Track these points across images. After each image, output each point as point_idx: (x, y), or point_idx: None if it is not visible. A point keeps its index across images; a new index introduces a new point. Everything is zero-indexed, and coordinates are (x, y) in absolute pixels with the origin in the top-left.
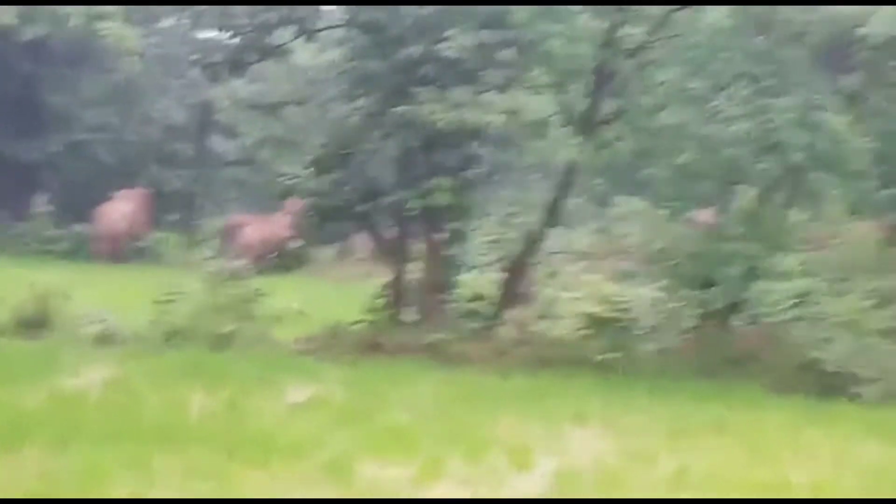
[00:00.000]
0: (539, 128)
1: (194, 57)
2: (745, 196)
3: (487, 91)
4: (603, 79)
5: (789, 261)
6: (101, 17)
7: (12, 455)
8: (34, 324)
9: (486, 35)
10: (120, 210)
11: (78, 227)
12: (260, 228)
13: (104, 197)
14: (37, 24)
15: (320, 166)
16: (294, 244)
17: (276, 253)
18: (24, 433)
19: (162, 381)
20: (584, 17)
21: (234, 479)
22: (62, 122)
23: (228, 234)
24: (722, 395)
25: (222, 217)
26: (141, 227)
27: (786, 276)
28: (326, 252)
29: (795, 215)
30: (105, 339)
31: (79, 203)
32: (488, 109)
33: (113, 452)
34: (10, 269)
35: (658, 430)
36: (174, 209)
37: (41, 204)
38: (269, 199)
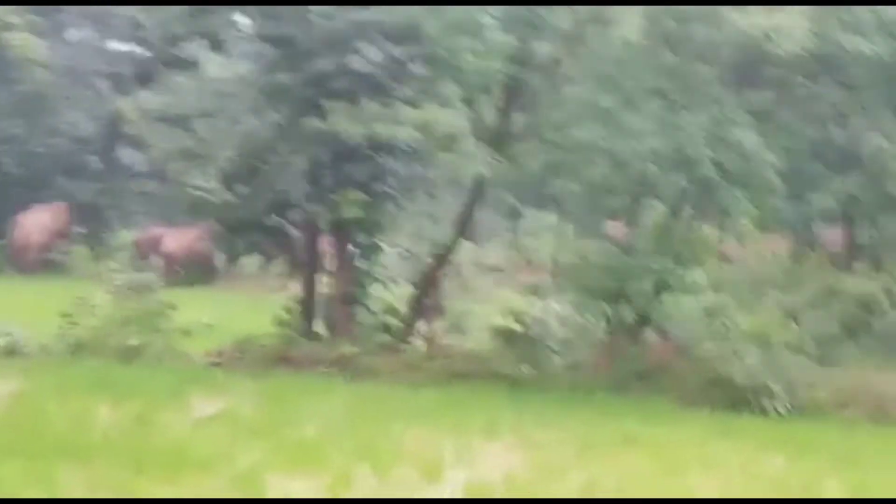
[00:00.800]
0: (449, 142)
1: (103, 68)
2: (655, 211)
3: (398, 105)
4: (513, 93)
5: (699, 275)
6: (6, 28)
7: None
8: None
9: (397, 49)
10: (36, 221)
11: None
12: (178, 240)
13: (12, 208)
14: None
15: (230, 179)
16: (208, 256)
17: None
18: None
19: (68, 395)
20: (495, 32)
21: (141, 494)
22: None
23: (145, 246)
24: (632, 409)
25: (135, 229)
26: (57, 239)
27: (695, 290)
28: (240, 266)
29: (705, 230)
30: (10, 352)
31: None
32: (399, 123)
33: (16, 467)
34: None
35: (568, 444)
36: (83, 221)
37: None
38: (178, 211)
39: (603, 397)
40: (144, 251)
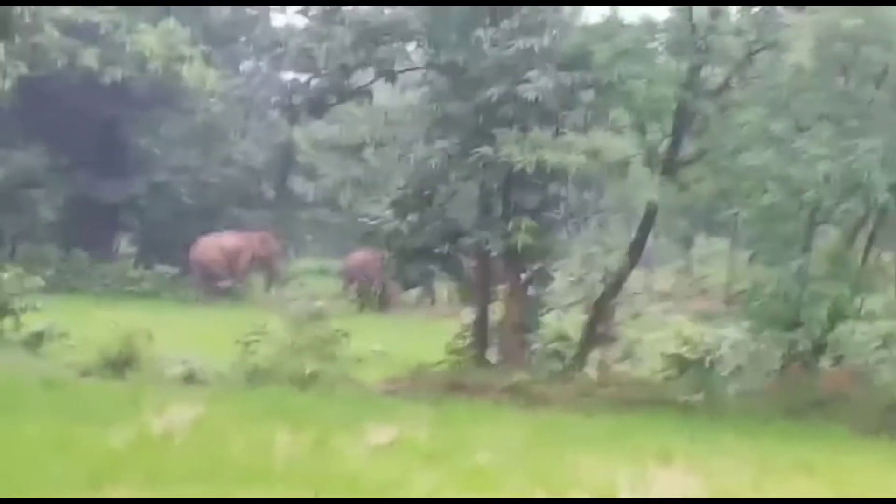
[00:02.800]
0: (620, 168)
1: (275, 99)
2: (829, 237)
3: (568, 132)
4: (684, 119)
5: (875, 302)
6: (181, 60)
7: (99, 495)
8: (119, 364)
9: (566, 76)
10: (220, 245)
11: (160, 268)
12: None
13: (186, 237)
14: (118, 67)
15: (401, 207)
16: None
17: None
18: (111, 473)
19: (246, 422)
20: (665, 58)
21: None
22: (144, 164)
23: (353, 272)
24: (808, 437)
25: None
26: (244, 266)
27: (871, 317)
28: (409, 293)
29: (881, 256)
30: (189, 380)
31: (160, 244)
32: (569, 150)
33: (198, 493)
34: (93, 310)
35: (743, 471)
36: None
37: (124, 245)
38: (349, 240)
39: (778, 425)
40: (352, 276)
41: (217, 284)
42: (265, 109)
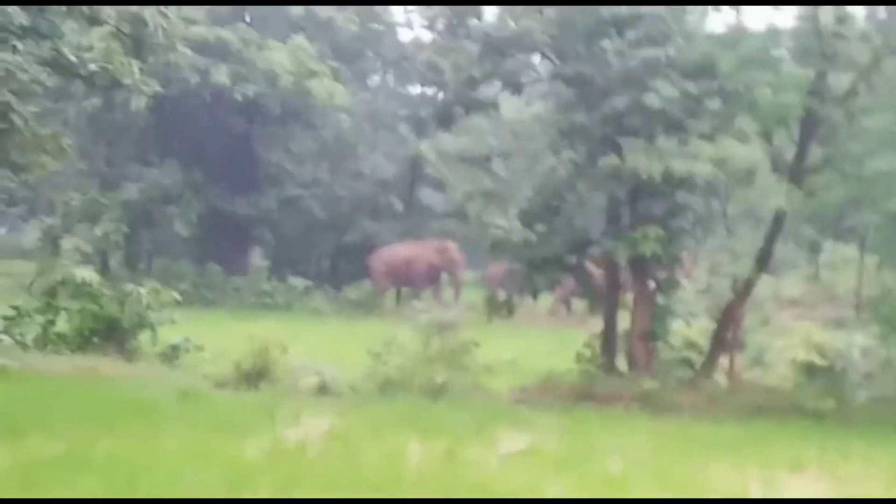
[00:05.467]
0: (747, 176)
1: (403, 112)
2: None
3: (694, 140)
4: (811, 126)
5: None
6: (311, 76)
7: None
8: (253, 376)
9: (691, 85)
10: (396, 254)
11: (293, 280)
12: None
13: (317, 250)
14: (249, 84)
15: (529, 218)
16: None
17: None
18: (248, 483)
19: (378, 432)
20: (791, 65)
21: None
22: (276, 179)
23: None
24: None
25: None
26: (420, 275)
27: None
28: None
29: None
30: (322, 391)
31: (292, 257)
32: (695, 159)
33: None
34: (228, 323)
35: (876, 478)
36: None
37: (256, 258)
38: (477, 250)
39: None
40: (492, 285)
41: (393, 291)
42: (393, 123)
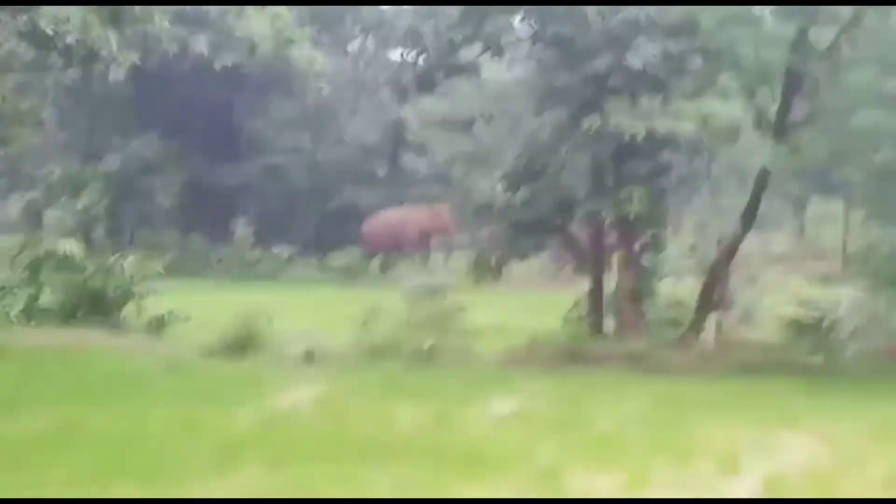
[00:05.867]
0: (730, 134)
1: (384, 78)
2: None
3: (677, 99)
4: (793, 82)
5: None
6: (290, 43)
7: (230, 476)
8: (240, 345)
9: (673, 44)
10: (385, 221)
11: (277, 249)
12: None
13: (301, 218)
14: (229, 53)
15: (513, 181)
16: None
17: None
18: (240, 453)
19: (366, 399)
20: (772, 21)
21: (445, 492)
22: (257, 147)
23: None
24: None
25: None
26: (411, 239)
27: None
28: (520, 264)
29: None
30: (309, 359)
31: (276, 225)
32: (678, 117)
33: (324, 470)
34: (213, 293)
35: (867, 433)
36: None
37: (240, 227)
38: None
39: None
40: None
41: (386, 257)
42: (374, 89)
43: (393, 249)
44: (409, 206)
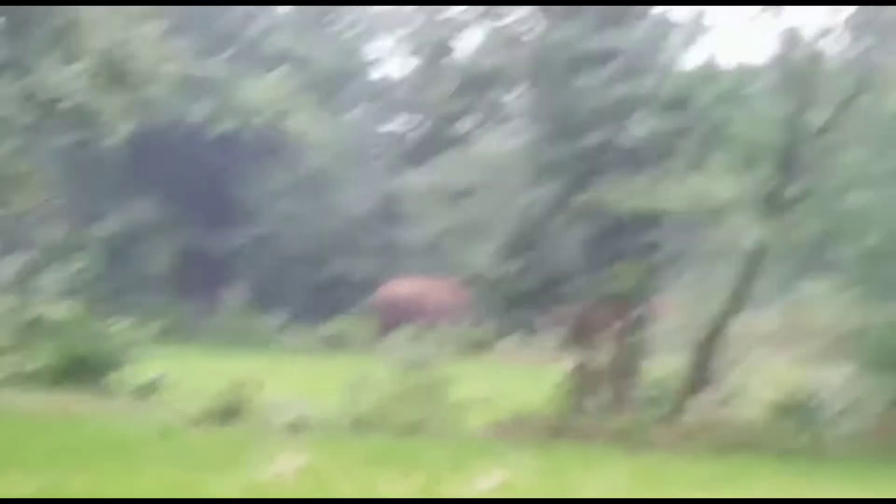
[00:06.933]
0: (721, 212)
1: (379, 148)
2: None
3: (669, 176)
4: (787, 161)
5: None
6: (288, 112)
7: None
8: (229, 413)
9: (667, 121)
10: (404, 290)
11: (269, 317)
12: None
13: (293, 287)
14: (226, 120)
15: (505, 253)
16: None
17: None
18: None
19: (353, 469)
20: (766, 100)
21: None
22: (251, 215)
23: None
24: None
25: None
26: (430, 311)
27: None
28: (506, 337)
29: None
30: (296, 428)
31: (268, 293)
32: (670, 195)
33: None
34: (204, 359)
35: None
36: (360, 298)
37: (232, 294)
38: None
39: (882, 468)
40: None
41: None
42: (369, 159)
43: (409, 320)
44: (424, 277)
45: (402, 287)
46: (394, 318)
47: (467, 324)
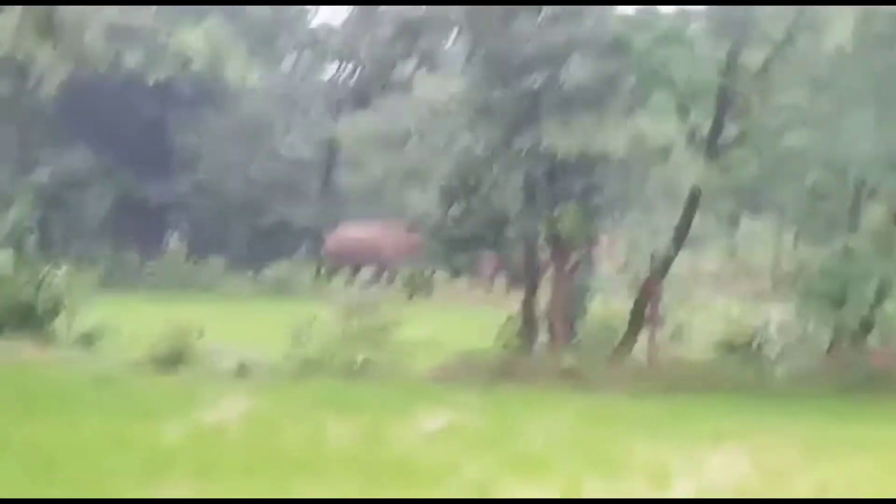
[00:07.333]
0: (663, 153)
1: (318, 93)
2: (875, 215)
3: (610, 118)
4: (725, 102)
5: None
6: (224, 59)
7: (158, 490)
8: (171, 359)
9: (607, 63)
10: (356, 235)
11: (210, 263)
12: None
13: (234, 233)
14: (162, 68)
15: (446, 197)
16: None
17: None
18: (168, 467)
19: (298, 413)
20: (705, 42)
21: None
22: (190, 162)
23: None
24: (857, 414)
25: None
26: (385, 256)
27: None
28: (451, 280)
29: None
30: (241, 373)
31: (209, 240)
32: (611, 137)
33: (253, 484)
34: (145, 306)
35: (795, 449)
36: (302, 243)
37: (173, 242)
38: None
39: (826, 402)
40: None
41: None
42: (308, 105)
43: (361, 264)
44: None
45: (353, 231)
46: (345, 262)
47: (414, 267)
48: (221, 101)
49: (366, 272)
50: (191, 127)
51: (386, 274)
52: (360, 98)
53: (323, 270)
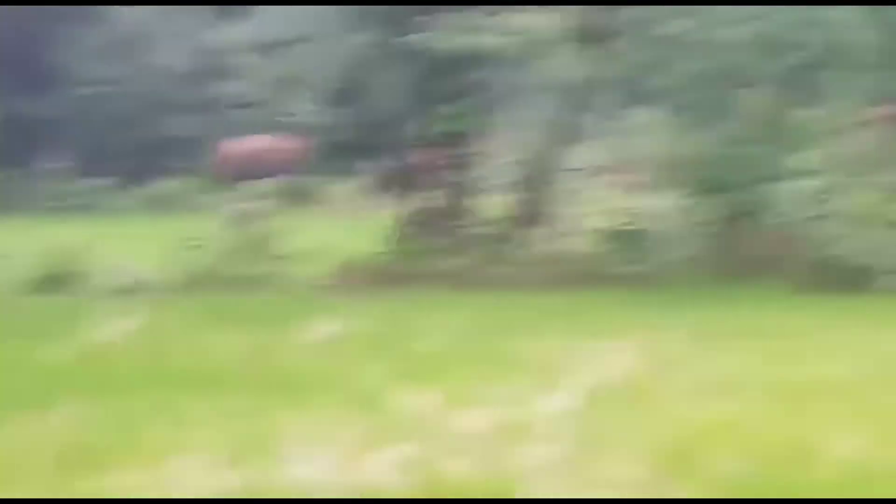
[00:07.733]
0: (543, 46)
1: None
2: (755, 99)
3: (489, 13)
4: None
5: (803, 159)
6: None
7: (45, 411)
8: (55, 280)
9: None
10: (242, 149)
11: (93, 181)
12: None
13: (116, 149)
14: None
15: (328, 103)
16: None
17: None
18: (55, 388)
19: (187, 328)
20: None
21: (266, 417)
22: (67, 79)
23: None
24: (744, 300)
25: None
26: (269, 168)
27: (801, 175)
28: (335, 187)
29: (807, 114)
30: (127, 291)
31: (92, 158)
32: (490, 32)
33: (145, 400)
34: (25, 228)
35: (684, 339)
36: (188, 157)
37: (53, 161)
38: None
39: (715, 290)
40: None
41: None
42: (185, 14)
43: (249, 177)
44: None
45: (242, 144)
46: (232, 175)
47: (302, 178)
48: (94, 15)
49: (253, 184)
50: (66, 42)
51: (273, 185)
52: (237, 3)
53: (210, 184)
